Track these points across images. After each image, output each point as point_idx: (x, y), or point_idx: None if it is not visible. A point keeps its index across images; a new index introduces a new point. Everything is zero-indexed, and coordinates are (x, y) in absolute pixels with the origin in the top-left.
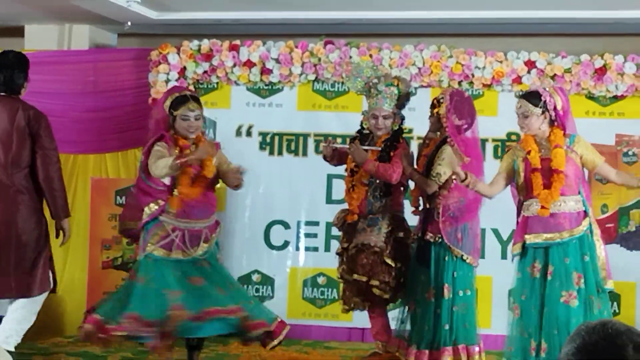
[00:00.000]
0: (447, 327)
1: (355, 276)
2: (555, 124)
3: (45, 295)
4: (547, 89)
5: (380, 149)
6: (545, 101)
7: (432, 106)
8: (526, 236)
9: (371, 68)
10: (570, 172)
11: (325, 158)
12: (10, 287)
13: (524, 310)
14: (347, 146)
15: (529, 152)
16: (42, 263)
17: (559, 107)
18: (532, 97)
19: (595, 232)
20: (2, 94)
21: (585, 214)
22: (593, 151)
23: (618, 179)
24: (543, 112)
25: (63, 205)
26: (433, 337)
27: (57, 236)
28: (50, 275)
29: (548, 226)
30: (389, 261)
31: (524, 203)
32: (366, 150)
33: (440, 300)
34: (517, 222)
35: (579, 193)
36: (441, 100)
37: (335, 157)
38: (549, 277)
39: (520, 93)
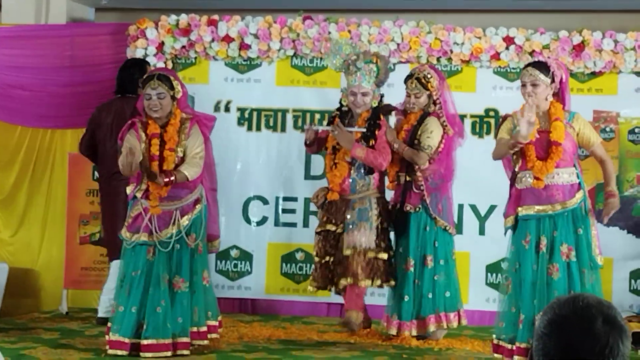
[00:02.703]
0: (430, 295)
1: (360, 282)
2: (556, 97)
3: None
4: (553, 62)
5: (364, 129)
6: (553, 72)
7: (422, 85)
8: (519, 208)
9: (350, 45)
10: (567, 146)
11: (306, 143)
12: None
13: (515, 284)
14: (331, 128)
15: None
16: None
17: (563, 80)
18: (542, 67)
19: (589, 208)
20: (119, 95)
21: (580, 186)
22: (591, 130)
23: (606, 168)
24: (551, 83)
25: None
26: (418, 307)
27: None
28: None
29: (541, 198)
30: (384, 256)
31: (518, 175)
32: (350, 132)
33: (422, 270)
34: (510, 195)
35: (574, 166)
36: (429, 76)
37: (316, 142)
38: (542, 250)
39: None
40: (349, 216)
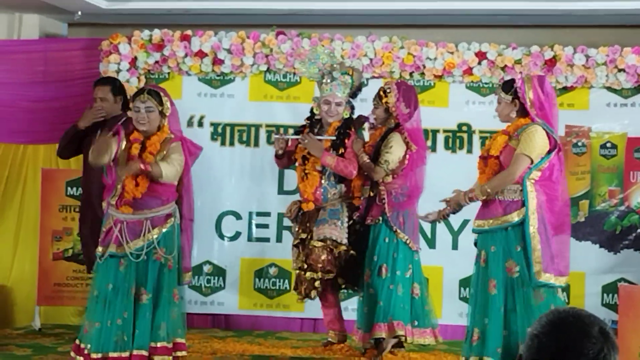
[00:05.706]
0: (381, 303)
1: (324, 274)
2: (527, 114)
3: None
4: (524, 77)
5: (334, 137)
6: (516, 88)
7: (379, 97)
8: None
9: (327, 55)
10: (508, 161)
11: (276, 155)
12: None
13: (470, 298)
14: (300, 137)
15: None
16: None
17: (529, 96)
18: (506, 84)
19: (532, 224)
20: None
21: (523, 204)
22: (528, 141)
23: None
24: (513, 100)
25: None
26: (372, 315)
27: None
28: None
29: (482, 214)
30: (353, 253)
31: None
32: (320, 140)
33: (376, 280)
34: None
35: (522, 184)
36: (388, 91)
37: (285, 155)
38: (482, 265)
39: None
40: (320, 214)
